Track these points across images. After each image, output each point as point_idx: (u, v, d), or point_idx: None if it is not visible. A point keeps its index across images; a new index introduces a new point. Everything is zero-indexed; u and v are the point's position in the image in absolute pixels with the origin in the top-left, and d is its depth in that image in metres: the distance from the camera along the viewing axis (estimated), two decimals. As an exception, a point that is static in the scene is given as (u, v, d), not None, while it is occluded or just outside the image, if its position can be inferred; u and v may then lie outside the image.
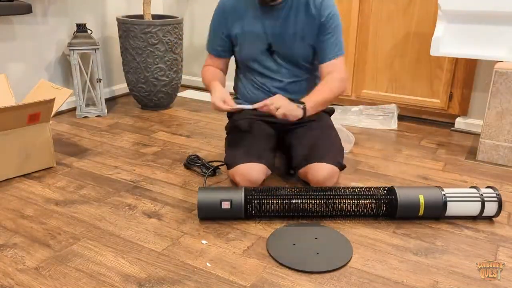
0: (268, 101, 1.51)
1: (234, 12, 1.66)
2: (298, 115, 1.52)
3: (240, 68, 1.79)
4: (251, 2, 1.63)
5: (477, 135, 2.20)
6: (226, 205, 1.39)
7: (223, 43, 1.73)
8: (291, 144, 1.70)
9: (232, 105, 1.54)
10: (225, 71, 1.80)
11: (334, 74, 1.62)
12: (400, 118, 2.46)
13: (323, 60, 1.64)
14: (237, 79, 1.82)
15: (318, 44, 1.63)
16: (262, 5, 1.61)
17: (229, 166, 1.63)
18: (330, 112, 1.85)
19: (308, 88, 1.67)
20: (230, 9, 1.67)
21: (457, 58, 2.22)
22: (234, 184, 1.62)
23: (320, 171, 1.55)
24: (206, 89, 1.75)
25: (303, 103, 1.54)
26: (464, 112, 2.33)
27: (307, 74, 1.71)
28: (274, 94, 1.64)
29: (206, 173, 1.71)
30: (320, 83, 1.64)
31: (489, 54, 1.95)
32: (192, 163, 1.81)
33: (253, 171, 1.55)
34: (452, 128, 2.35)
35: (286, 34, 1.62)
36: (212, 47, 1.76)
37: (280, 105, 1.49)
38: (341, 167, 1.62)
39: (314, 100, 1.57)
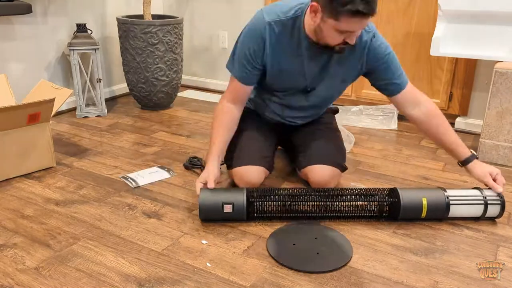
0: None
1: (280, 46, 1.44)
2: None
3: (262, 87, 1.61)
4: (297, 36, 1.41)
5: (477, 135, 2.20)
6: (228, 208, 1.39)
7: (254, 71, 1.49)
8: (295, 144, 1.70)
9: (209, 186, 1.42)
10: (244, 101, 1.57)
11: (429, 106, 1.52)
12: (400, 118, 2.46)
13: (395, 92, 1.50)
14: (255, 90, 1.64)
15: (375, 80, 1.51)
16: (322, 49, 1.40)
17: (229, 167, 1.63)
18: (335, 111, 1.84)
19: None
20: (275, 42, 1.43)
21: (457, 58, 2.22)
22: (235, 184, 1.62)
23: (321, 173, 1.55)
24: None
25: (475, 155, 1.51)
26: (464, 112, 2.33)
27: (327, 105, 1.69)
28: (286, 119, 1.65)
29: None
30: (436, 126, 1.52)
31: (489, 54, 1.95)
32: (192, 164, 1.81)
33: (251, 174, 1.55)
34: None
35: (326, 76, 1.50)
36: (241, 73, 1.49)
37: None
38: (343, 169, 1.61)
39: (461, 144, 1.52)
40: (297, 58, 1.46)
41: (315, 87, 1.54)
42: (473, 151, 1.52)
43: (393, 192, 1.44)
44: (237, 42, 1.51)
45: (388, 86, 1.51)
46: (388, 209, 1.43)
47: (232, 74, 1.52)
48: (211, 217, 1.42)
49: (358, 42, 1.40)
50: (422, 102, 1.52)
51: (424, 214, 1.41)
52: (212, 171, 1.44)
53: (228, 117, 1.53)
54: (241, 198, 1.39)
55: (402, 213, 1.41)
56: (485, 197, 1.43)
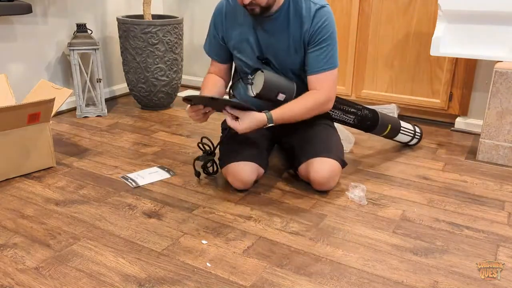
0: (235, 123, 1.48)
1: (233, 17, 1.62)
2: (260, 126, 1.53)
3: (237, 71, 1.78)
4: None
5: (477, 135, 2.20)
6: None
7: (219, 43, 1.69)
8: (291, 143, 1.70)
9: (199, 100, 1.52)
10: (227, 79, 1.77)
11: (315, 92, 1.57)
12: (400, 118, 2.46)
13: (309, 72, 1.58)
14: (234, 78, 1.81)
15: (306, 55, 1.58)
16: (254, 17, 1.55)
17: (222, 166, 1.63)
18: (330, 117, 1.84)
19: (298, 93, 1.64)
20: (229, 13, 1.62)
21: (457, 58, 2.22)
22: (229, 183, 1.62)
23: (321, 168, 1.55)
24: None
25: (270, 115, 1.52)
26: (464, 112, 2.33)
27: (300, 81, 1.66)
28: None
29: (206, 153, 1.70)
30: (297, 98, 1.58)
31: (489, 54, 1.95)
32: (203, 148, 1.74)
33: (243, 172, 1.56)
34: (452, 128, 2.35)
35: (279, 47, 1.57)
36: (212, 51, 1.72)
37: (245, 127, 1.49)
38: (342, 163, 1.62)
39: (279, 113, 1.53)
40: (252, 29, 1.58)
41: (270, 57, 1.60)
42: (269, 115, 1.51)
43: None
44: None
45: (308, 65, 1.58)
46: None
47: (206, 53, 1.74)
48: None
49: (304, 11, 1.52)
50: (317, 90, 1.58)
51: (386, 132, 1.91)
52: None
53: (213, 77, 1.73)
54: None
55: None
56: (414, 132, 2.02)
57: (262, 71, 1.55)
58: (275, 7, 1.53)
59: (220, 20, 1.65)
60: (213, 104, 1.52)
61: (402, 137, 2.01)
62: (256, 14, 1.50)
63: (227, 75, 1.77)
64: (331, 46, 1.55)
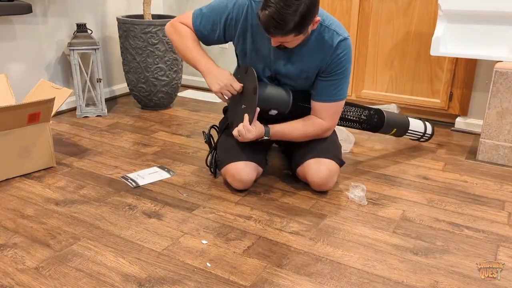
0: (241, 132, 1.51)
1: (251, 23, 1.50)
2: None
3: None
4: None
5: (477, 135, 2.20)
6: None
7: (215, 37, 1.56)
8: (289, 145, 1.70)
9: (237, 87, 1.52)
10: None
11: (318, 122, 1.56)
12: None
13: (316, 98, 1.56)
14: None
15: (317, 80, 1.55)
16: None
17: (220, 166, 1.63)
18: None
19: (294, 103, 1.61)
20: (248, 16, 1.49)
21: (457, 58, 2.22)
22: (228, 183, 1.62)
23: (318, 168, 1.55)
24: (180, 51, 1.58)
25: (268, 131, 1.55)
26: (464, 112, 2.33)
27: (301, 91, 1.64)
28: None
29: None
30: (299, 119, 1.58)
31: (489, 54, 1.95)
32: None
33: (243, 172, 1.56)
34: (452, 128, 2.35)
35: (292, 69, 1.53)
36: (202, 32, 1.56)
37: (253, 137, 1.51)
38: (340, 162, 1.61)
39: (278, 130, 1.56)
40: (265, 39, 1.48)
41: (280, 76, 1.56)
42: (267, 129, 1.55)
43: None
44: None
45: (316, 91, 1.56)
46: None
47: (192, 21, 1.55)
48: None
49: (326, 40, 1.47)
50: (321, 118, 1.57)
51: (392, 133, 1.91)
52: (226, 74, 1.52)
53: (194, 35, 1.57)
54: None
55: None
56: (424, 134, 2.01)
57: (252, 70, 1.53)
58: None
59: (235, 19, 1.51)
60: (248, 100, 1.53)
61: (409, 136, 2.01)
62: (282, 49, 1.46)
63: None
64: (344, 79, 1.53)
